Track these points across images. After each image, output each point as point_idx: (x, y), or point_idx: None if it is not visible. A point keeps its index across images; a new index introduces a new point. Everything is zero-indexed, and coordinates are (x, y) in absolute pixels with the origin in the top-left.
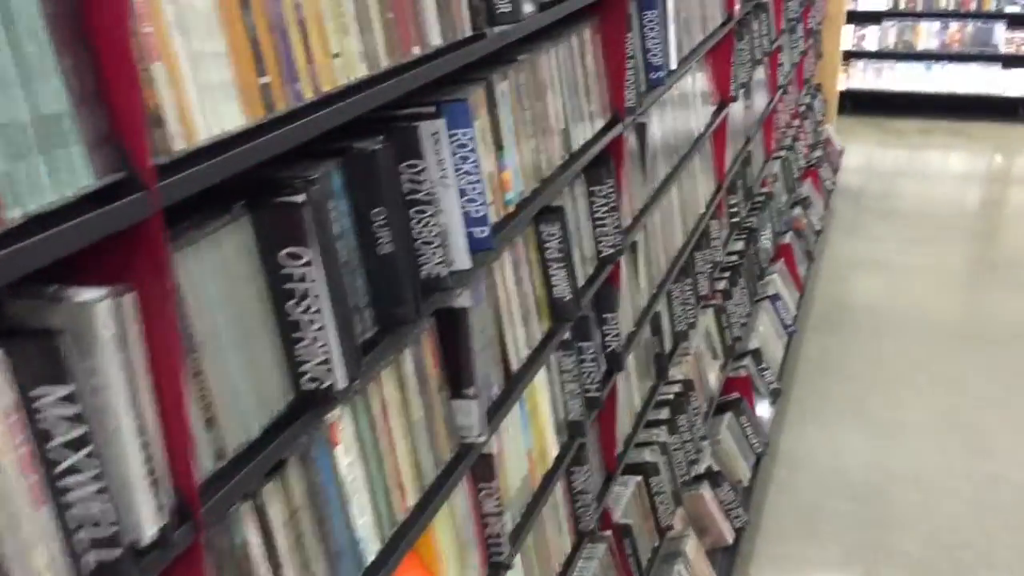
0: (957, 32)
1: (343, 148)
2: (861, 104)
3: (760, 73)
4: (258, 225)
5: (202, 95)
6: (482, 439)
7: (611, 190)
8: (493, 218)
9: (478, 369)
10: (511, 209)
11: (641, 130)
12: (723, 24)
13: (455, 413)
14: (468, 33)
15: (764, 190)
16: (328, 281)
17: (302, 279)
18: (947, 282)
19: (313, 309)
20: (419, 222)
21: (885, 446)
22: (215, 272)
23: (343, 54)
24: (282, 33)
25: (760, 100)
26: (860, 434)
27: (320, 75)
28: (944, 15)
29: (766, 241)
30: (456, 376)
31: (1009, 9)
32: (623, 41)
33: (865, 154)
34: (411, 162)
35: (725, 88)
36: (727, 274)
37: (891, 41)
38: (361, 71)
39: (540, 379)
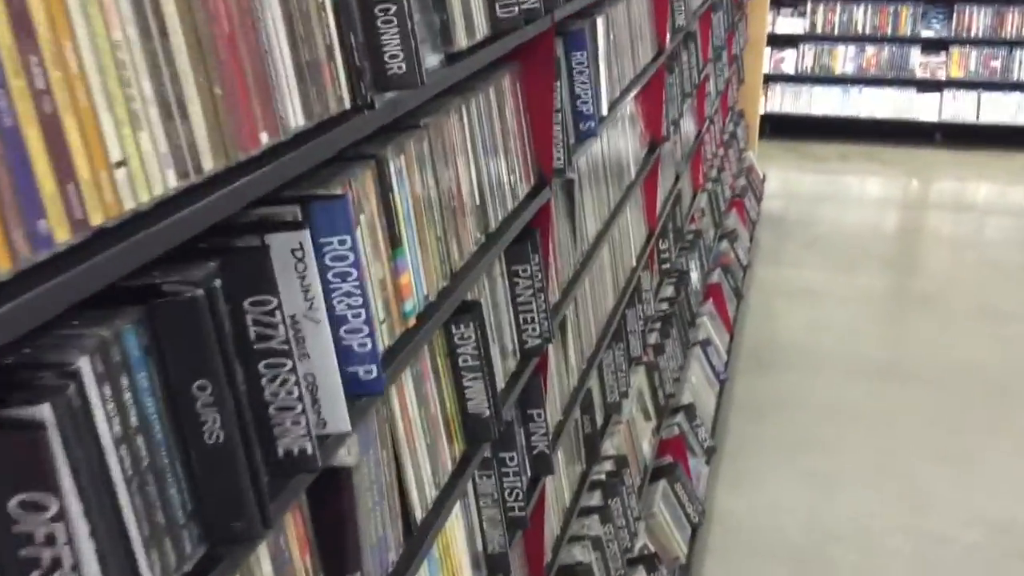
0: (873, 56)
1: (149, 288)
2: (779, 128)
3: (688, 105)
4: None
5: None
6: None
7: (537, 268)
8: (386, 341)
9: (366, 542)
10: (411, 323)
11: (570, 187)
12: (654, 59)
13: None
14: (346, 106)
15: (693, 227)
16: (97, 540)
17: (49, 542)
18: (872, 314)
19: None
20: (273, 380)
21: (822, 501)
22: None
23: (132, 159)
24: (8, 137)
25: (688, 133)
26: (796, 489)
27: (89, 201)
28: (861, 39)
29: (696, 283)
30: (336, 555)
31: (924, 34)
32: (551, 90)
33: (786, 180)
34: (259, 298)
35: (657, 127)
36: (659, 325)
37: (809, 65)
38: (167, 183)
39: (454, 514)
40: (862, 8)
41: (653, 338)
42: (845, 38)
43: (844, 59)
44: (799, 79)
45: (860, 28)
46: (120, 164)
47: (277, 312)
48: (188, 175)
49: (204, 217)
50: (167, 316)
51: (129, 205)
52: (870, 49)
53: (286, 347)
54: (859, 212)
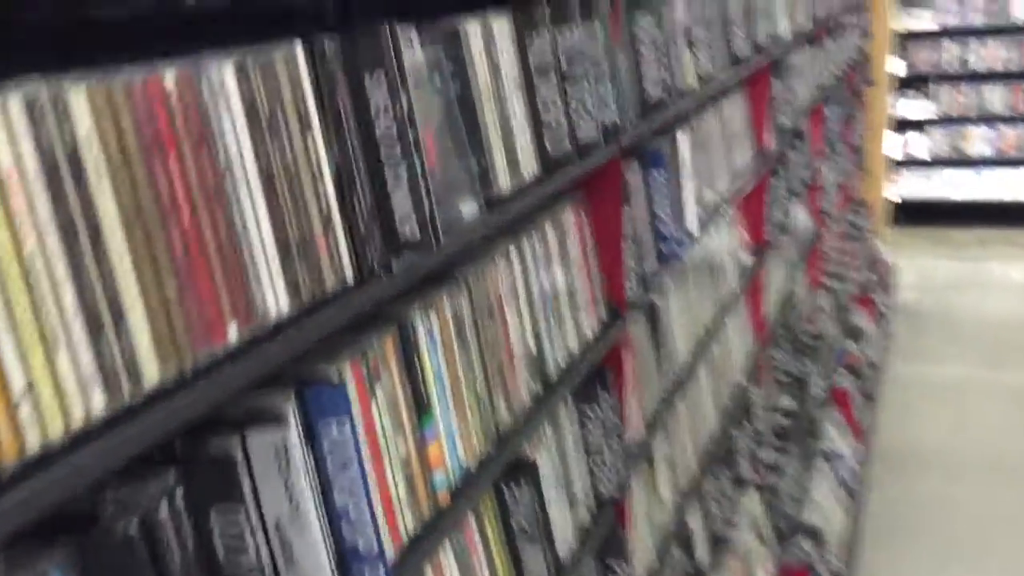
0: (1011, 136)
1: (85, 517)
2: (911, 215)
3: (799, 202)
4: None
5: None
6: None
7: (610, 408)
8: (409, 526)
9: None
10: (444, 498)
11: (653, 312)
12: (754, 163)
13: None
14: (348, 282)
15: (811, 329)
16: None
17: None
18: (1022, 413)
19: None
20: None
21: None
22: None
23: (42, 386)
24: None
25: (802, 229)
26: None
27: None
28: (993, 119)
29: (818, 390)
30: None
31: None
32: (619, 218)
33: (921, 269)
34: (226, 508)
35: (759, 233)
36: (775, 441)
37: (941, 148)
38: (90, 408)
39: None
40: (992, 88)
41: (769, 456)
42: (976, 119)
43: (977, 141)
44: (930, 163)
45: (993, 108)
46: (27, 390)
47: (247, 526)
48: (121, 394)
49: (140, 439)
50: (100, 553)
51: (35, 442)
52: (1005, 129)
53: (258, 565)
54: (1003, 301)
